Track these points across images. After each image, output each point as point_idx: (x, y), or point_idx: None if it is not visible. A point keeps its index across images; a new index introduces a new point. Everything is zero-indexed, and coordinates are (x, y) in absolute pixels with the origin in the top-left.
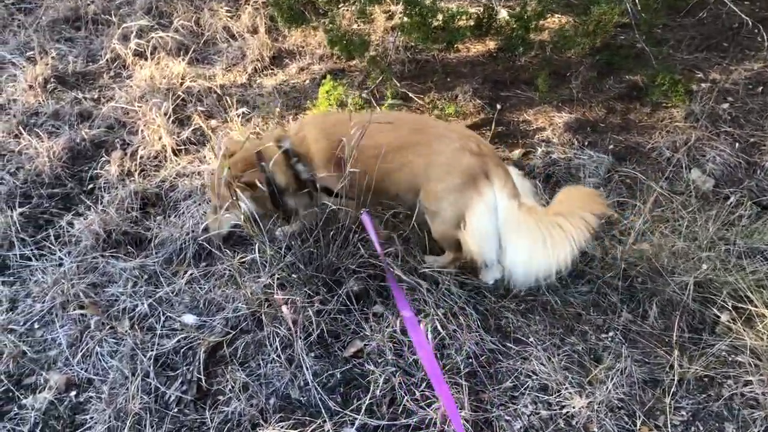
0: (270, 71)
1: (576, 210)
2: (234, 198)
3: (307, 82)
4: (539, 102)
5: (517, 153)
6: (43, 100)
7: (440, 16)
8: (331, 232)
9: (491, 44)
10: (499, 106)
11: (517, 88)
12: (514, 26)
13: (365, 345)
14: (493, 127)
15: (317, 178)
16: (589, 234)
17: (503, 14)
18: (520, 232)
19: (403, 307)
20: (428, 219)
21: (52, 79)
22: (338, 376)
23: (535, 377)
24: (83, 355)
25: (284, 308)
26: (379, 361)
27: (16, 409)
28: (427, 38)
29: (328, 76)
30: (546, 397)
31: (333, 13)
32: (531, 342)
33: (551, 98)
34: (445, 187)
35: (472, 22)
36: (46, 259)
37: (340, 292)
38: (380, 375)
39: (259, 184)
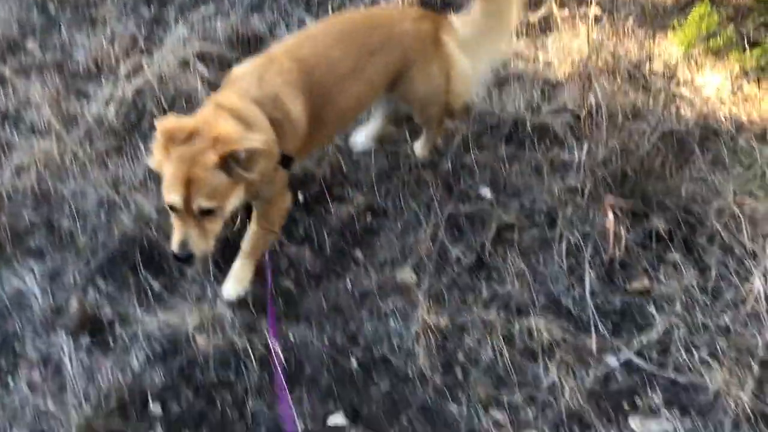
0: None
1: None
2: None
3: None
4: None
5: None
6: None
7: None
8: None
9: None
10: None
11: None
12: None
13: (653, 286)
14: None
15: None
16: None
17: None
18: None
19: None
20: (417, 104)
21: None
22: (616, 304)
23: None
24: (386, 189)
25: (609, 215)
26: (665, 307)
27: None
28: None
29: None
30: None
31: None
32: None
33: None
34: (426, 64)
35: None
36: None
37: (645, 225)
38: (660, 322)
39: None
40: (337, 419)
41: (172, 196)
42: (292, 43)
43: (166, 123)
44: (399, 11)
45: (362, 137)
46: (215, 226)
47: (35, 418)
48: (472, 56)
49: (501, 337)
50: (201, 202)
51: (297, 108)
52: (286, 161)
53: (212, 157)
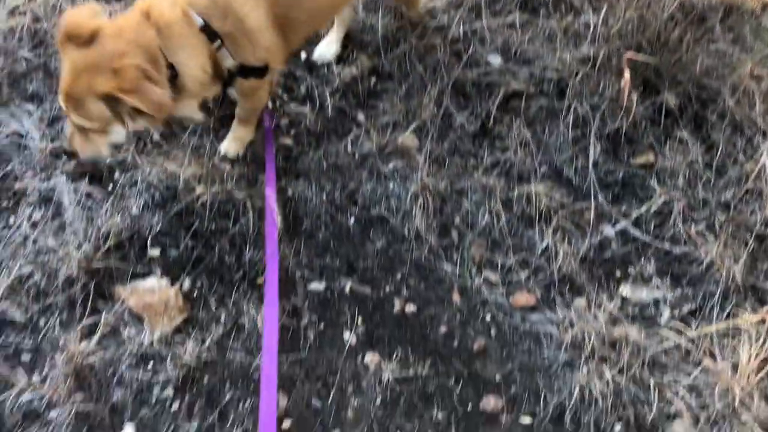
0: None
1: None
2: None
3: None
4: None
5: None
6: None
7: None
8: None
9: None
10: None
11: None
12: None
13: (657, 161)
14: None
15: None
16: None
17: None
18: None
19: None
20: None
21: None
22: (618, 176)
23: None
24: (392, 52)
25: (626, 73)
26: (668, 181)
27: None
28: None
29: None
30: None
31: None
32: None
33: None
34: None
35: None
36: None
37: (656, 100)
38: (661, 194)
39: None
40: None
41: (58, 96)
42: None
43: (71, 17)
44: None
45: (326, 48)
46: (102, 139)
47: (36, 254)
48: None
49: (499, 202)
50: (76, 119)
51: (254, 16)
52: (254, 71)
53: (99, 86)
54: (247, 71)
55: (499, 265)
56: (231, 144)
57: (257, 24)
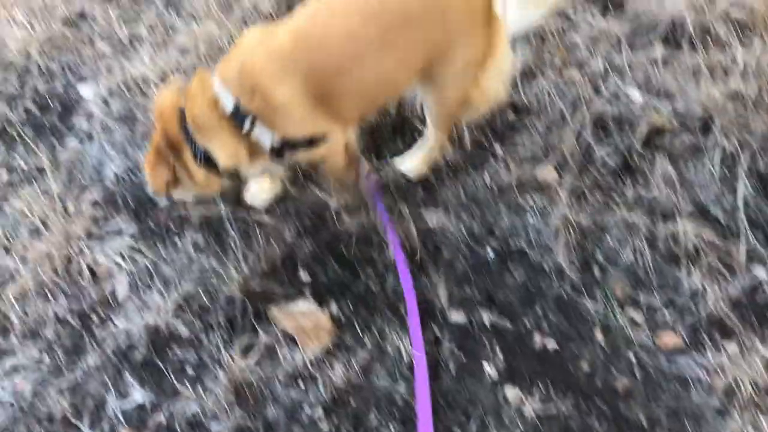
0: None
1: None
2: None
3: None
4: None
5: None
6: None
7: None
8: None
9: None
10: None
11: None
12: None
13: None
14: None
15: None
16: None
17: None
18: None
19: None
20: (438, 95)
21: None
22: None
23: None
24: (530, 87)
25: None
26: None
27: None
28: None
29: None
30: None
31: None
32: None
33: None
34: (466, 46)
35: None
36: None
37: None
38: None
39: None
40: None
41: None
42: (305, 9)
43: (157, 99)
44: None
45: (410, 163)
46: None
47: (200, 274)
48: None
49: (643, 240)
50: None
51: (283, 91)
52: (302, 144)
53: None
54: (292, 145)
55: (644, 304)
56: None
57: (286, 98)
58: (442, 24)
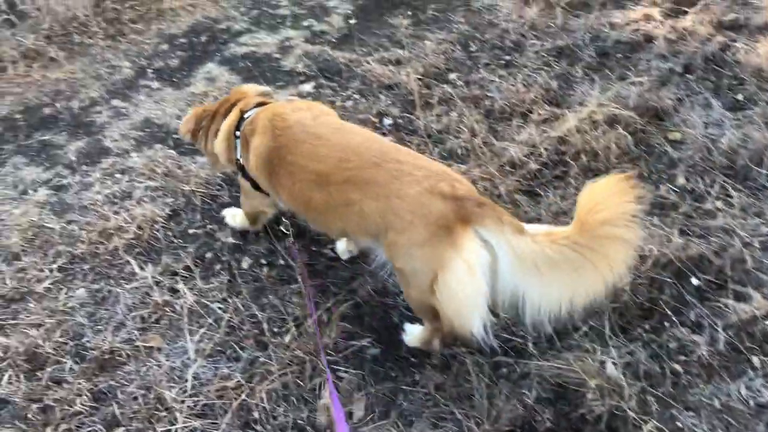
0: None
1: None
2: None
3: None
4: None
5: None
6: None
7: None
8: None
9: None
10: None
11: None
12: None
13: None
14: None
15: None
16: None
17: None
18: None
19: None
20: (397, 278)
21: None
22: None
23: None
24: None
25: None
26: None
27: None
28: None
29: None
30: None
31: None
32: None
33: None
34: (408, 241)
35: None
36: None
37: None
38: None
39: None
40: None
41: None
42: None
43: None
44: (430, 173)
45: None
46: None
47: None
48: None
49: None
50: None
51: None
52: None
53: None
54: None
55: None
56: None
57: (254, 149)
58: (379, 205)
